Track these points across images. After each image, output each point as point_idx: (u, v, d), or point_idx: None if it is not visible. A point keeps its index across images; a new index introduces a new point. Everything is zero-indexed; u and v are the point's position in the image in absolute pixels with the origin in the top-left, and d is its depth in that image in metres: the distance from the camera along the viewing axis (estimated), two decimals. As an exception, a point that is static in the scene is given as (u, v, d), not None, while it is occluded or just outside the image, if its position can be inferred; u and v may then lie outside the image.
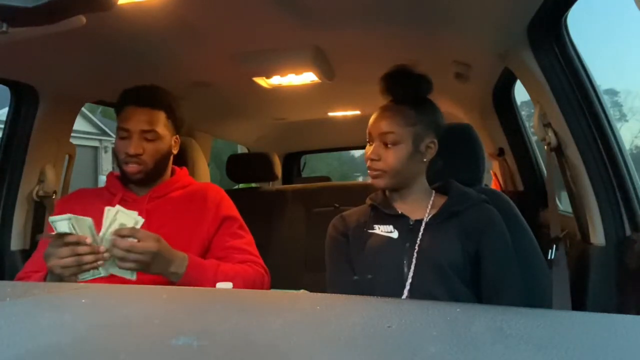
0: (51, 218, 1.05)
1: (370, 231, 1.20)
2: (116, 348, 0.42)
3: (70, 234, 1.04)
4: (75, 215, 1.06)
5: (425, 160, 1.19)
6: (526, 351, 0.40)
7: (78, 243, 1.04)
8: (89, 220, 1.07)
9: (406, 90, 1.18)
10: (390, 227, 1.18)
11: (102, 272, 1.07)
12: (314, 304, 0.63)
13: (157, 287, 0.91)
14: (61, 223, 1.04)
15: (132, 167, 1.28)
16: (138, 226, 1.09)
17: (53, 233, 1.05)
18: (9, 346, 0.41)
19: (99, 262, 1.07)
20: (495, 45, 1.46)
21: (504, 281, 1.12)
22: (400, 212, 1.19)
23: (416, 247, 1.13)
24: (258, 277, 1.29)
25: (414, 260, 1.12)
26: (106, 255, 1.07)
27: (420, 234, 1.15)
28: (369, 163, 1.18)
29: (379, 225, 1.20)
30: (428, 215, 1.17)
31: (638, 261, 1.13)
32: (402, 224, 1.18)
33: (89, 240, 1.05)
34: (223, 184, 3.38)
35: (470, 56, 1.70)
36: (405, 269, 1.13)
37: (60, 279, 1.06)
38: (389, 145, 1.15)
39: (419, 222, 1.17)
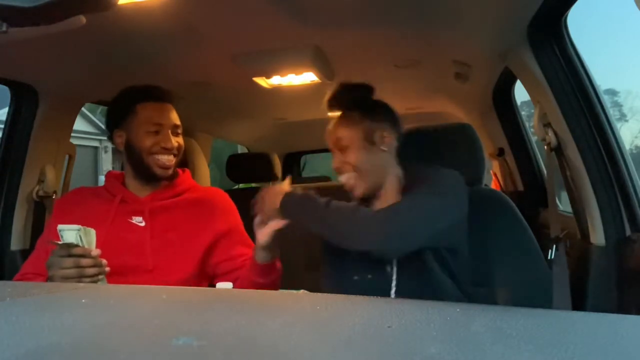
0: (59, 226, 1.05)
1: None
2: (116, 348, 0.42)
3: (76, 245, 1.05)
4: (84, 227, 1.06)
5: (383, 149, 1.20)
6: (526, 351, 0.40)
7: (83, 255, 1.05)
8: (95, 231, 1.08)
9: (341, 99, 1.24)
10: None
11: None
12: (314, 304, 0.63)
13: (157, 287, 0.92)
14: (69, 233, 1.05)
15: (165, 162, 1.28)
16: (91, 235, 1.08)
17: (59, 242, 1.05)
18: (9, 346, 0.41)
19: (100, 276, 1.07)
20: (495, 45, 1.46)
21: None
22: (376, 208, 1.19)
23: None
24: None
25: (395, 260, 1.14)
26: (107, 269, 1.08)
27: None
28: (338, 175, 1.21)
29: None
30: None
31: (638, 261, 1.13)
32: None
33: (94, 252, 1.06)
34: (223, 184, 3.38)
35: (470, 56, 1.69)
36: (388, 268, 1.15)
37: None
38: (344, 150, 1.19)
39: None
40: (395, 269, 1.15)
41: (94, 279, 1.06)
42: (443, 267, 1.13)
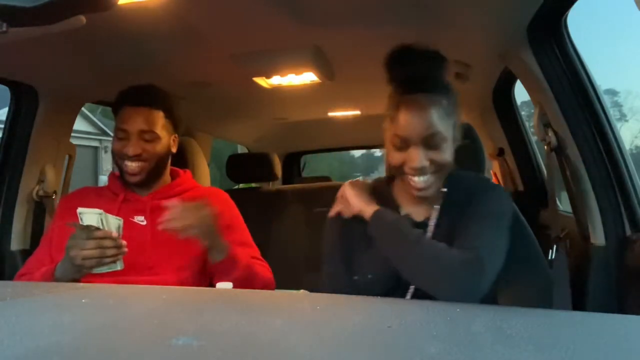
0: (80, 209, 1.07)
1: None
2: (116, 348, 0.42)
3: (98, 228, 1.07)
4: (105, 213, 1.09)
5: (456, 142, 1.02)
6: (526, 351, 0.40)
7: (104, 238, 1.07)
8: (117, 220, 1.10)
9: (434, 76, 0.99)
10: None
11: (118, 266, 1.11)
12: (314, 304, 0.63)
13: (157, 287, 0.92)
14: (90, 216, 1.07)
15: (131, 169, 1.27)
16: (110, 221, 1.10)
17: (78, 223, 1.07)
18: (9, 346, 0.41)
19: (118, 257, 1.09)
20: (495, 45, 1.46)
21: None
22: (403, 214, 1.06)
23: None
24: (270, 283, 1.30)
25: None
26: (125, 249, 1.10)
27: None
28: (412, 172, 0.97)
29: None
30: (436, 215, 1.04)
31: (638, 261, 1.13)
32: None
33: (115, 234, 1.08)
34: (223, 184, 3.38)
35: (470, 56, 1.69)
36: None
37: (76, 270, 1.09)
38: (435, 147, 0.96)
39: (424, 224, 1.04)
40: None
41: (113, 259, 1.09)
42: None
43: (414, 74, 0.99)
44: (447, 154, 0.98)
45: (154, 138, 1.29)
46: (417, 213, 1.06)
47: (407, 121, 0.96)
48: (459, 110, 1.01)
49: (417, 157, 0.95)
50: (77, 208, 1.09)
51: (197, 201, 1.16)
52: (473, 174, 1.11)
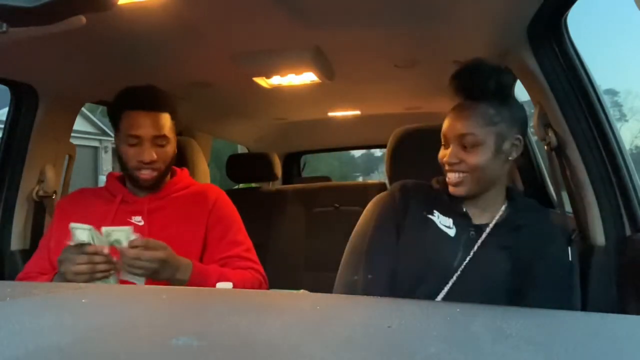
0: (72, 224, 1.08)
1: (429, 216, 1.10)
2: (116, 348, 0.42)
3: (89, 243, 1.07)
4: (95, 229, 1.09)
5: (510, 159, 1.07)
6: (526, 351, 0.40)
7: (95, 253, 1.07)
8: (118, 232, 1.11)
9: (482, 86, 1.05)
10: (450, 222, 1.09)
11: (111, 281, 1.11)
12: (314, 304, 0.63)
13: (157, 287, 0.92)
14: (81, 232, 1.07)
15: (146, 174, 1.26)
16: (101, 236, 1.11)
17: (70, 241, 1.08)
18: (9, 346, 0.41)
19: (111, 272, 1.10)
20: (495, 45, 1.46)
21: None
22: (464, 210, 1.10)
23: (467, 259, 1.05)
24: (256, 284, 1.29)
25: (459, 272, 1.04)
26: (118, 265, 1.10)
27: (478, 245, 1.06)
28: (447, 167, 1.07)
29: (440, 215, 1.10)
30: (493, 223, 1.08)
31: (638, 261, 1.13)
32: (462, 224, 1.09)
33: (106, 250, 1.08)
34: (223, 184, 3.38)
35: (470, 56, 1.69)
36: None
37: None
38: (468, 148, 1.04)
39: (481, 229, 1.08)
40: (452, 280, 1.05)
41: (105, 274, 1.09)
42: (506, 295, 1.04)
43: (465, 84, 1.08)
44: (479, 158, 1.03)
45: (165, 143, 1.29)
46: (476, 216, 1.10)
47: (448, 121, 1.08)
48: (516, 127, 1.07)
49: (449, 152, 1.06)
50: (74, 212, 1.09)
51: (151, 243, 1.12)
52: (535, 202, 1.15)
